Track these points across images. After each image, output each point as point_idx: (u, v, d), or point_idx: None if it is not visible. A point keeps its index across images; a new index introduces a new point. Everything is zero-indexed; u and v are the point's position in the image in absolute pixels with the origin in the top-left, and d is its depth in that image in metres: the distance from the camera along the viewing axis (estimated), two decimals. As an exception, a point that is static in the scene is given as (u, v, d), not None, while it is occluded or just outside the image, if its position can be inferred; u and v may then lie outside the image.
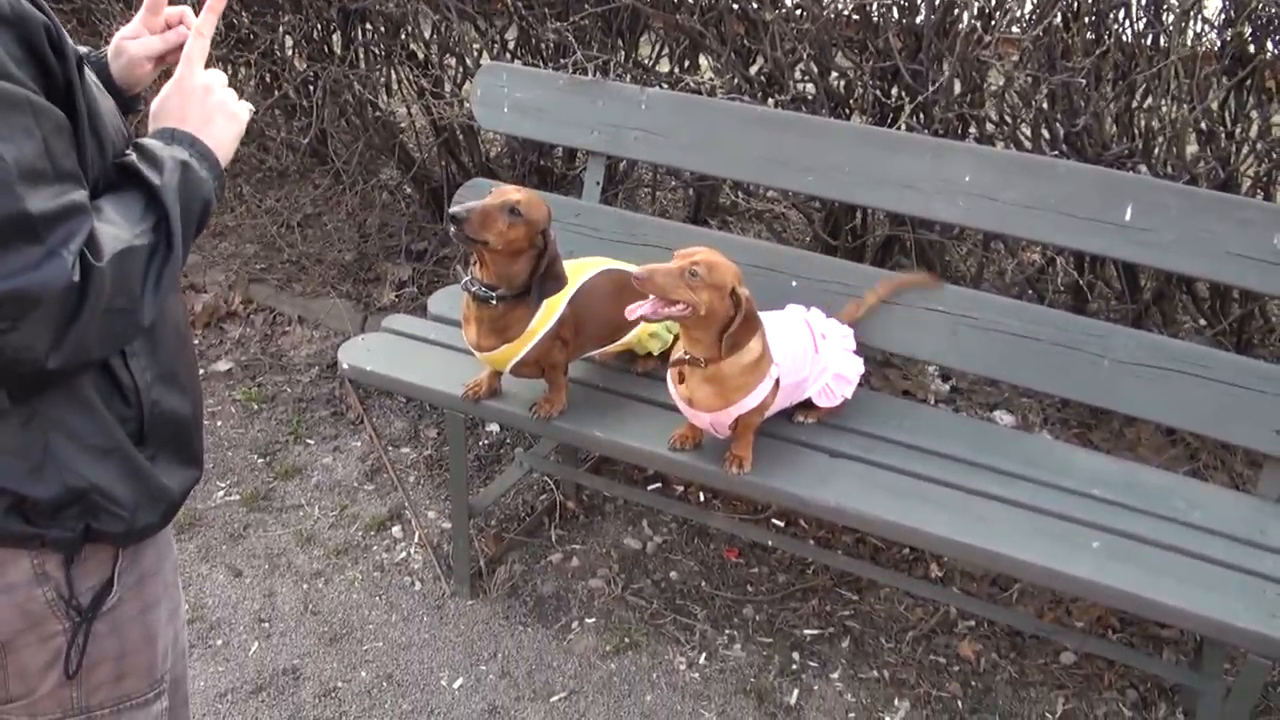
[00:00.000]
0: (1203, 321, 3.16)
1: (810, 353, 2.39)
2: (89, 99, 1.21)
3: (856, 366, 2.51)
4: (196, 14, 1.45)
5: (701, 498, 3.21)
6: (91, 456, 1.28)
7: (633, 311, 2.06)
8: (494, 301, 2.29)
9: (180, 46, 1.43)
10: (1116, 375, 2.47)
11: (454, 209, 2.16)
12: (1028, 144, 2.99)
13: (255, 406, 3.59)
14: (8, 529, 1.25)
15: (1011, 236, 2.94)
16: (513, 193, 2.23)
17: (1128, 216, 2.45)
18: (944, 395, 3.42)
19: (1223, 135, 2.85)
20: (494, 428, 3.47)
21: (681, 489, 3.22)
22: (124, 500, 1.32)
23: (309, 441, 3.45)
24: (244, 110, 1.43)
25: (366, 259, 4.10)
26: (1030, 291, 3.30)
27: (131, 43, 1.49)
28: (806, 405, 2.49)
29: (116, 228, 1.18)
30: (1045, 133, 2.94)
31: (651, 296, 2.04)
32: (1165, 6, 2.64)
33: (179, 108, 1.36)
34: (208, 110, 1.37)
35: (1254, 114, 2.88)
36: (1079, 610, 2.81)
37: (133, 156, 1.26)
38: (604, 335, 2.53)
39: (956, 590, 2.85)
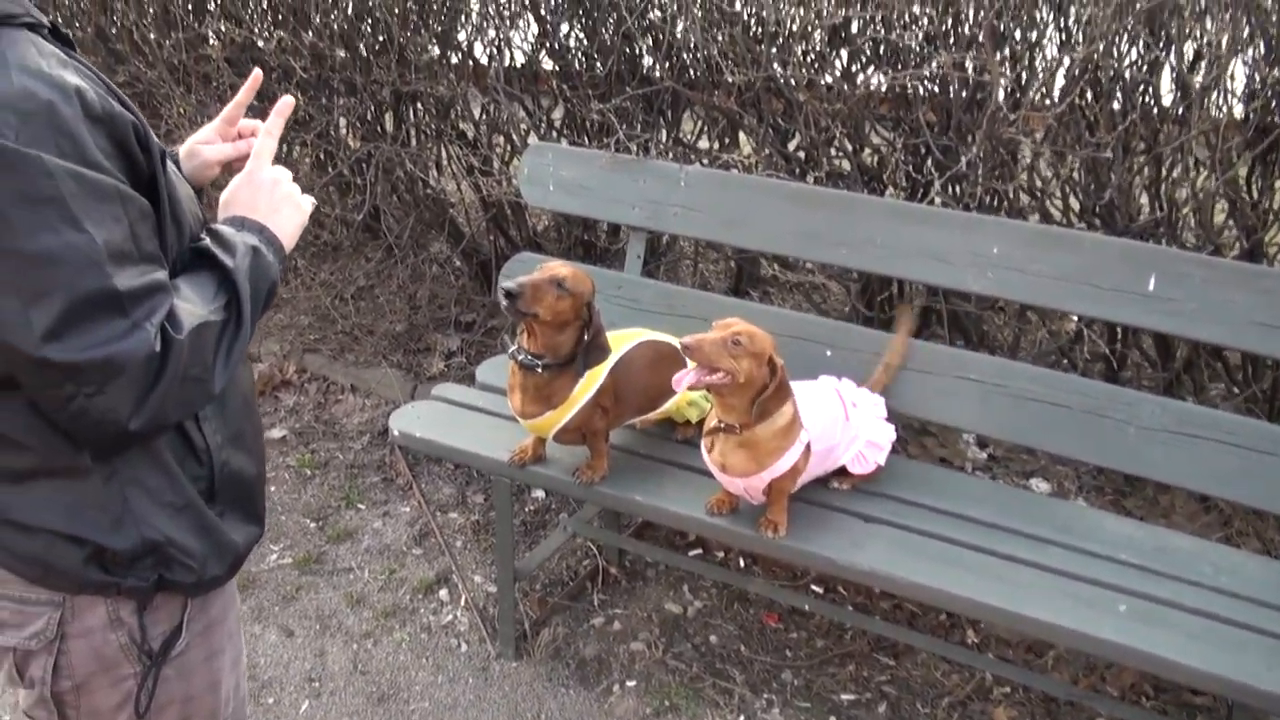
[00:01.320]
0: (1235, 389, 3.20)
1: (841, 421, 2.46)
2: (170, 188, 1.33)
3: (888, 433, 2.58)
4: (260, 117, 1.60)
5: (741, 563, 3.27)
6: (166, 512, 1.39)
7: (679, 381, 2.16)
8: (540, 370, 2.40)
9: (247, 154, 1.56)
10: (1143, 442, 2.52)
11: (506, 284, 2.27)
12: (1058, 215, 3.08)
13: (308, 472, 3.70)
14: (88, 577, 1.36)
15: (1041, 307, 3.01)
16: (560, 268, 2.35)
17: (1151, 286, 2.52)
18: (981, 463, 3.47)
19: (1248, 206, 2.92)
20: (539, 494, 3.55)
21: (722, 555, 3.29)
22: (195, 553, 1.42)
23: (360, 506, 3.55)
24: (307, 202, 1.56)
25: (416, 330, 4.23)
26: (1065, 361, 3.36)
27: (205, 147, 1.63)
28: (841, 472, 2.57)
29: (193, 304, 1.30)
30: (1075, 204, 3.03)
31: (696, 364, 2.13)
32: (1189, 80, 2.73)
33: (249, 198, 1.49)
34: (275, 201, 1.50)
35: (1278, 185, 2.95)
36: (1112, 677, 2.84)
37: (208, 241, 1.38)
38: (644, 404, 2.63)
39: (992, 657, 2.89)
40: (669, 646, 2.98)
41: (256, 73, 1.67)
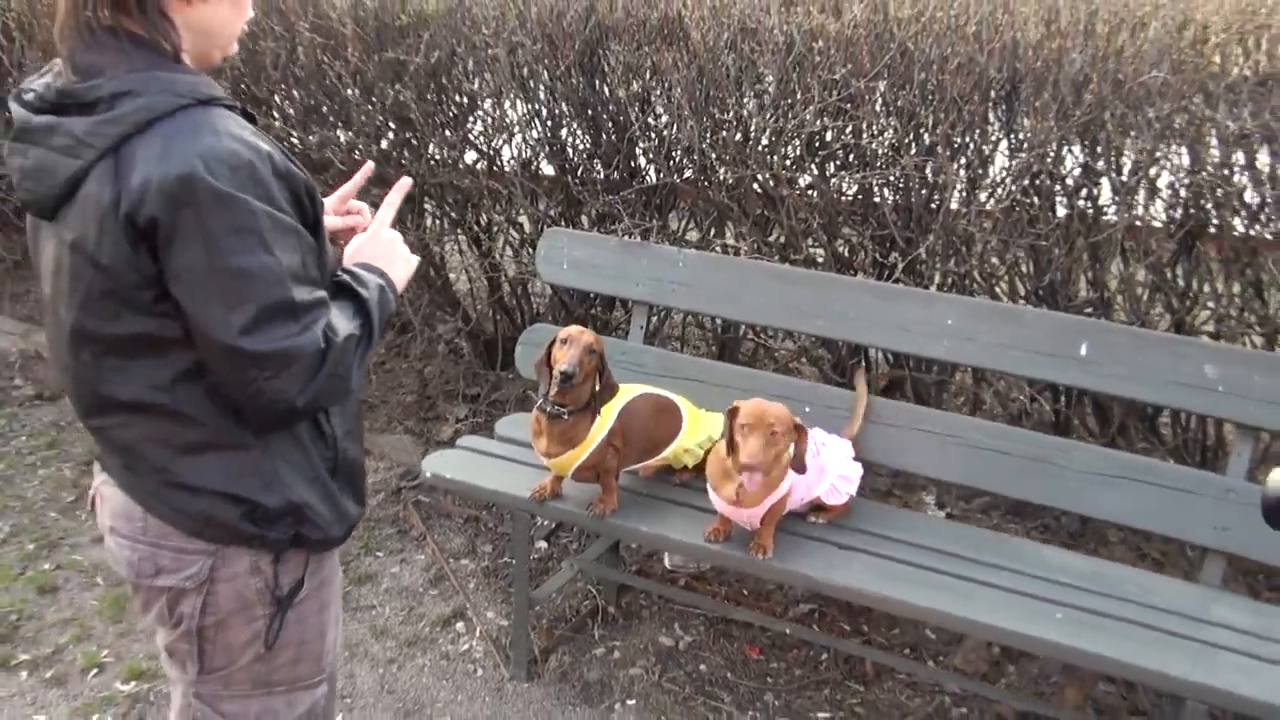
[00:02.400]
0: (1161, 442, 3.64)
1: (813, 455, 2.88)
2: (323, 235, 1.76)
3: (856, 470, 3.00)
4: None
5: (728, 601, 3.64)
6: (304, 481, 1.78)
7: (752, 484, 2.59)
8: (565, 416, 2.81)
9: (352, 229, 2.00)
10: (1078, 483, 2.94)
11: (564, 368, 2.72)
12: (1005, 297, 3.54)
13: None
14: (241, 530, 1.74)
15: (990, 370, 3.45)
16: (584, 336, 2.79)
17: (1083, 352, 2.96)
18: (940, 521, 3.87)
19: (1175, 292, 3.38)
20: (542, 544, 3.92)
21: (710, 595, 3.66)
22: (323, 516, 1.81)
23: (378, 554, 3.91)
24: (415, 259, 2.00)
25: (427, 400, 4.63)
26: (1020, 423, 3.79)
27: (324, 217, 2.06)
28: (818, 507, 2.98)
29: (341, 320, 1.71)
30: (1021, 286, 3.49)
31: (756, 474, 2.55)
32: (1117, 184, 3.21)
33: (373, 250, 1.92)
34: (392, 255, 1.94)
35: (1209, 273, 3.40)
36: (1058, 698, 3.21)
37: (348, 277, 1.80)
38: (647, 448, 3.03)
39: (953, 671, 3.27)
40: (664, 672, 3.34)
41: (369, 165, 2.13)
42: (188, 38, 1.65)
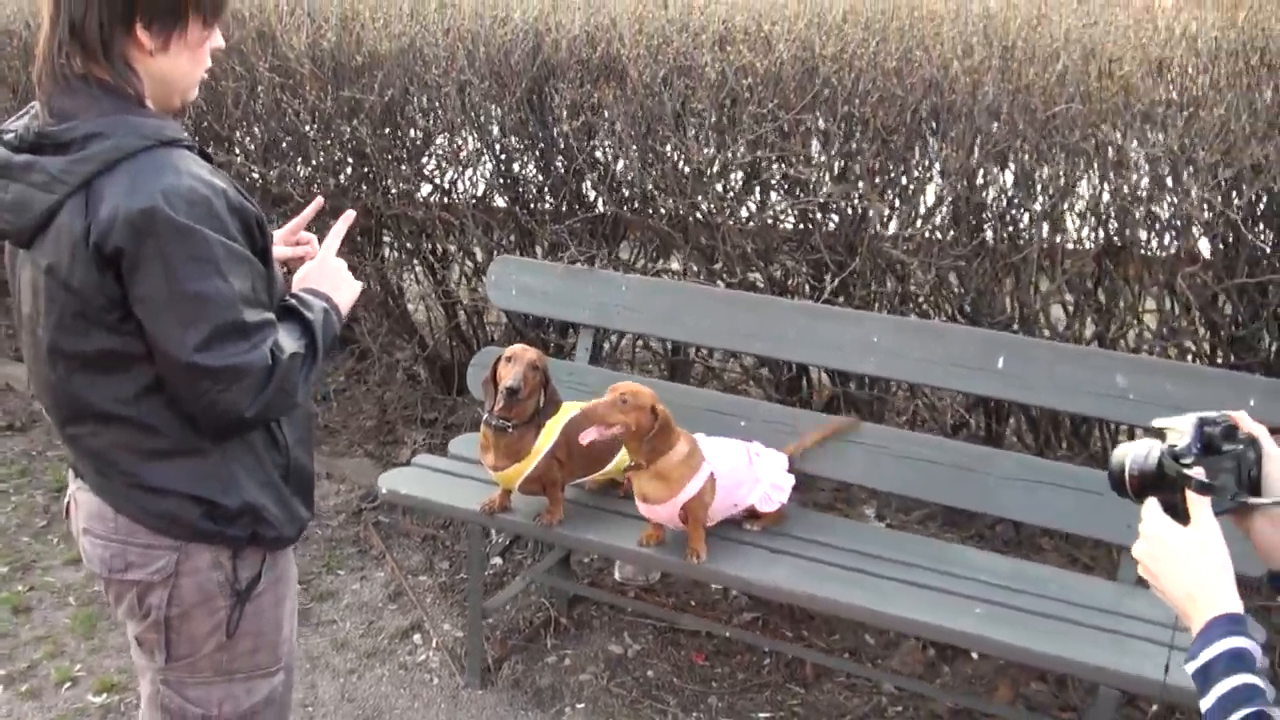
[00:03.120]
0: (1072, 448, 3.84)
1: (745, 463, 3.05)
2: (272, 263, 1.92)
3: (789, 480, 3.17)
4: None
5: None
6: (259, 484, 1.94)
7: (585, 437, 2.76)
8: (510, 430, 2.98)
9: (301, 258, 2.17)
10: (999, 488, 3.12)
11: (510, 383, 2.91)
12: (934, 315, 3.74)
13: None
14: (202, 527, 1.89)
15: (916, 384, 3.64)
16: (527, 353, 2.98)
17: (1000, 364, 3.16)
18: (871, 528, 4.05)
19: (1093, 308, 3.58)
20: (497, 560, 4.07)
21: (658, 606, 3.82)
22: (277, 518, 1.97)
23: (339, 572, 4.04)
24: (358, 285, 2.17)
25: (386, 425, 4.78)
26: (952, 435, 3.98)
27: (275, 247, 2.22)
28: (752, 515, 3.15)
29: (288, 340, 1.87)
30: (949, 305, 3.70)
31: (594, 424, 2.74)
32: (1032, 208, 3.42)
33: (319, 277, 2.09)
34: (338, 280, 2.11)
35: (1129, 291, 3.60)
36: (988, 694, 3.39)
37: (294, 301, 1.96)
38: (590, 462, 3.19)
39: (890, 673, 3.44)
40: (613, 677, 3.49)
41: (318, 200, 2.31)
42: (150, 85, 1.82)
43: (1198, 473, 1.35)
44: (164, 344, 1.74)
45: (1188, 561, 1.33)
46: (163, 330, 1.74)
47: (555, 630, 3.72)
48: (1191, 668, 1.27)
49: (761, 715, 3.35)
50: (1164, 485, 1.39)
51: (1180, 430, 1.39)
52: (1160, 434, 1.42)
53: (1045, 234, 3.42)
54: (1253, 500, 1.37)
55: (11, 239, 1.82)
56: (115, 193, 1.70)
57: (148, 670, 2.04)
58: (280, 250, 2.22)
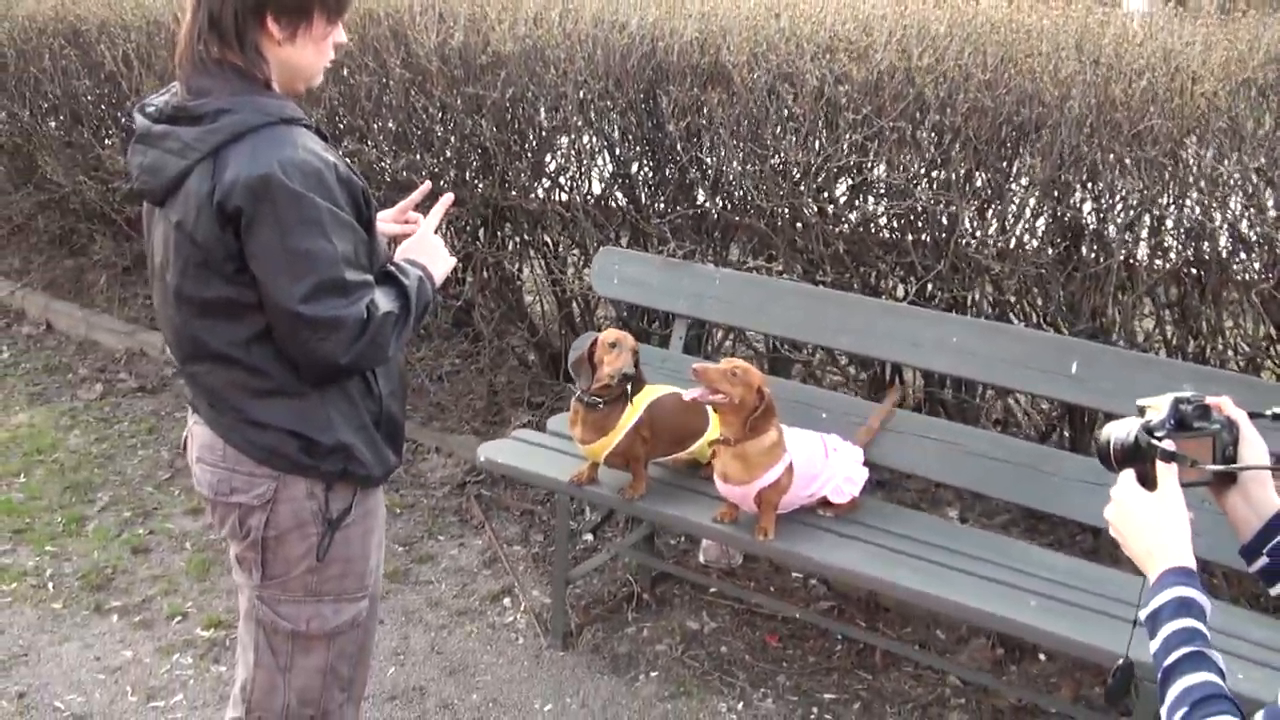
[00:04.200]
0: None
1: (821, 456, 3.20)
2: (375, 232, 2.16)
3: (863, 474, 3.31)
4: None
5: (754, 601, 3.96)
6: (352, 427, 2.18)
7: (690, 394, 2.94)
8: (600, 406, 3.19)
9: (408, 234, 2.41)
10: (1066, 489, 3.21)
11: (626, 369, 3.17)
12: (1018, 319, 3.83)
13: (398, 510, 4.46)
14: (300, 460, 2.14)
15: (991, 384, 3.73)
16: (628, 339, 3.24)
17: (1074, 369, 3.25)
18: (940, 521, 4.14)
19: (1169, 321, 3.64)
20: (588, 537, 4.28)
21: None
22: (367, 458, 2.20)
23: (440, 538, 4.30)
24: (452, 260, 2.40)
25: (494, 405, 5.03)
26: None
27: (382, 224, 2.45)
28: (825, 504, 3.29)
29: (384, 300, 2.10)
30: (1032, 313, 3.79)
31: (703, 385, 2.91)
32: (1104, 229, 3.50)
33: (418, 250, 2.33)
34: (434, 255, 2.35)
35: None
36: (1052, 687, 3.47)
37: (394, 268, 2.20)
38: (673, 441, 3.38)
39: (957, 662, 3.54)
40: (687, 650, 3.66)
41: (427, 184, 2.55)
42: (277, 71, 2.08)
43: (1166, 444, 1.48)
44: (273, 294, 1.99)
45: (1149, 522, 1.47)
46: (272, 282, 1.98)
47: (638, 605, 3.91)
48: (1144, 614, 1.41)
49: (827, 696, 3.48)
50: (1139, 457, 1.53)
51: (1158, 408, 1.52)
52: (1142, 412, 1.55)
53: (1128, 247, 3.49)
54: (1209, 467, 1.49)
55: (148, 197, 2.10)
56: (238, 161, 1.96)
57: (246, 587, 2.29)
58: (389, 227, 2.47)
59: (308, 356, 2.05)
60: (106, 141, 6.11)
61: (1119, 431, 1.56)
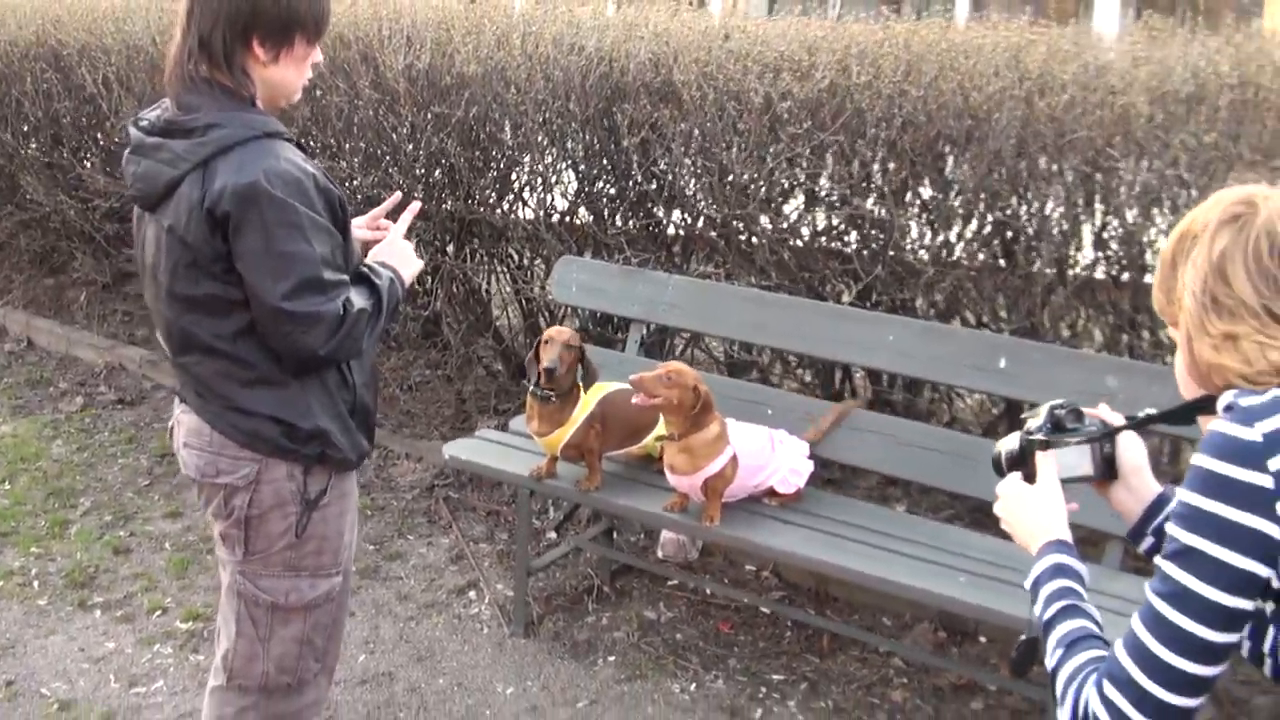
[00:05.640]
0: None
1: (767, 449, 3.42)
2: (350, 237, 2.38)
3: (808, 466, 3.52)
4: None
5: (708, 591, 4.17)
6: (329, 414, 2.38)
7: (635, 399, 3.16)
8: (552, 400, 3.40)
9: (378, 240, 2.62)
10: (992, 475, 3.44)
11: (547, 364, 3.36)
12: (952, 320, 4.07)
13: (369, 513, 4.65)
14: (281, 444, 2.34)
15: (926, 380, 3.97)
16: (563, 334, 3.43)
17: (1003, 365, 3.48)
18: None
19: (1094, 322, 3.89)
20: (552, 534, 4.48)
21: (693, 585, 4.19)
22: (342, 443, 2.41)
23: (409, 538, 4.49)
24: (420, 263, 2.61)
25: (462, 413, 5.23)
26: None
27: (356, 230, 2.65)
28: (771, 494, 3.51)
29: (358, 298, 2.31)
30: (967, 313, 4.03)
31: (641, 394, 3.14)
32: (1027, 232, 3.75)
33: (389, 253, 2.55)
34: (404, 257, 2.56)
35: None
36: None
37: (366, 269, 2.41)
38: (626, 435, 3.59)
39: (900, 644, 3.76)
40: (643, 637, 3.86)
41: (397, 194, 2.76)
42: (261, 89, 2.29)
43: (1038, 437, 1.71)
44: (258, 291, 2.19)
45: (1028, 508, 1.71)
46: (258, 280, 2.19)
47: (597, 596, 4.11)
48: (1027, 583, 1.64)
49: (776, 677, 3.69)
50: (1024, 461, 1.78)
51: (1037, 415, 1.78)
52: (1023, 424, 1.80)
53: (1056, 251, 3.74)
54: (1069, 440, 1.74)
55: (140, 203, 2.30)
56: (227, 170, 2.17)
57: (228, 563, 2.48)
58: (362, 233, 2.68)
59: (289, 348, 2.26)
60: (86, 163, 6.29)
61: (1007, 443, 1.82)
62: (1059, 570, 1.61)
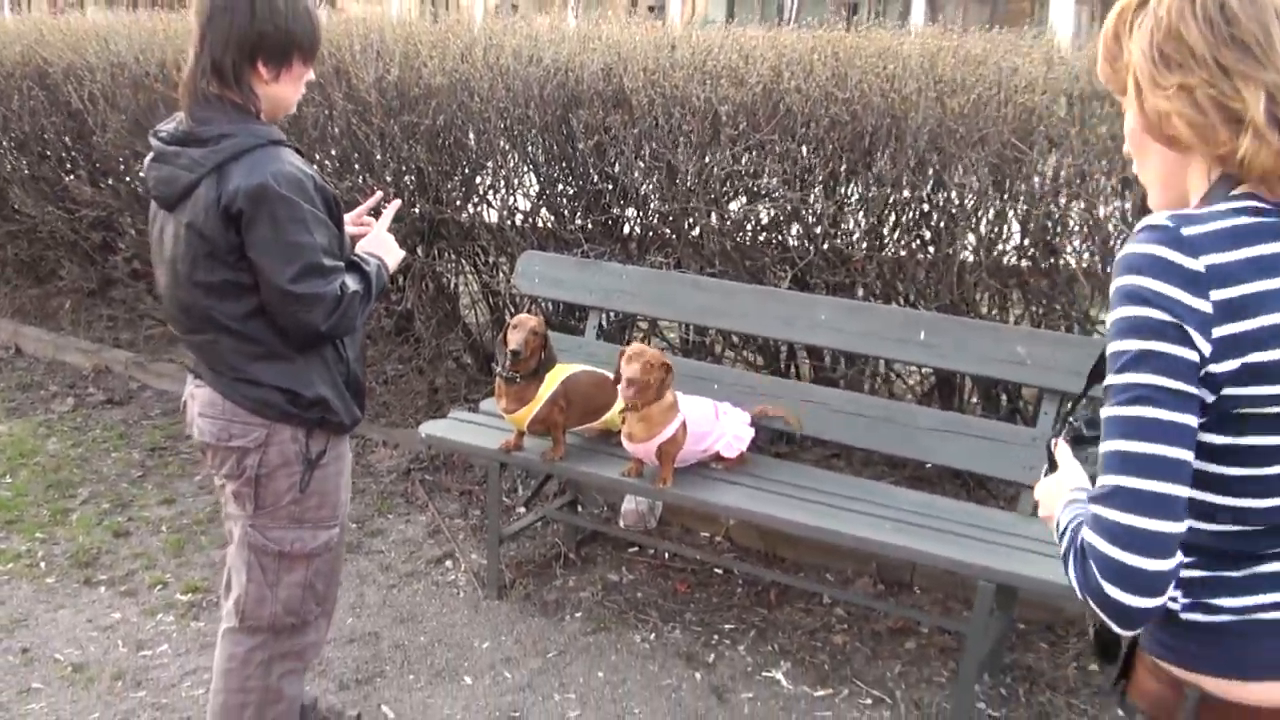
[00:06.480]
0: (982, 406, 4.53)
1: (712, 417, 3.81)
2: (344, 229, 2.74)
3: (749, 433, 3.91)
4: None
5: (666, 555, 4.54)
6: (328, 384, 2.74)
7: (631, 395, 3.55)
8: (517, 380, 3.77)
9: (362, 234, 2.98)
10: (920, 436, 3.83)
11: (513, 347, 3.71)
12: (882, 299, 4.47)
13: (350, 496, 4.99)
14: (286, 410, 2.69)
15: (854, 353, 4.37)
16: (529, 321, 3.78)
17: (921, 337, 3.88)
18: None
19: (1002, 297, 4.30)
20: (521, 509, 4.84)
21: (653, 553, 4.57)
22: (339, 409, 2.77)
23: (389, 516, 4.85)
24: (402, 253, 2.98)
25: (435, 403, 5.59)
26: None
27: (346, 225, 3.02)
28: (717, 458, 3.89)
29: (352, 282, 2.68)
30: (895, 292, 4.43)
31: (635, 389, 3.52)
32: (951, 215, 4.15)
33: (375, 245, 2.91)
34: (387, 248, 2.93)
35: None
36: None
37: (356, 258, 2.77)
38: (587, 412, 3.96)
39: (833, 585, 4.15)
40: (607, 596, 4.23)
41: (378, 194, 3.14)
42: (265, 103, 2.65)
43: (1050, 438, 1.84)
44: (268, 275, 2.56)
45: (1052, 489, 1.69)
46: (268, 266, 2.55)
47: (565, 563, 4.48)
48: (1056, 535, 1.57)
49: (727, 626, 4.07)
50: (1051, 463, 1.80)
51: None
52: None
53: (971, 234, 4.15)
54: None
55: (161, 203, 2.66)
56: (239, 174, 2.53)
57: (239, 519, 2.83)
58: (351, 229, 3.04)
59: (295, 325, 2.62)
60: (72, 175, 6.60)
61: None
62: (1070, 502, 1.57)
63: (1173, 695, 1.52)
